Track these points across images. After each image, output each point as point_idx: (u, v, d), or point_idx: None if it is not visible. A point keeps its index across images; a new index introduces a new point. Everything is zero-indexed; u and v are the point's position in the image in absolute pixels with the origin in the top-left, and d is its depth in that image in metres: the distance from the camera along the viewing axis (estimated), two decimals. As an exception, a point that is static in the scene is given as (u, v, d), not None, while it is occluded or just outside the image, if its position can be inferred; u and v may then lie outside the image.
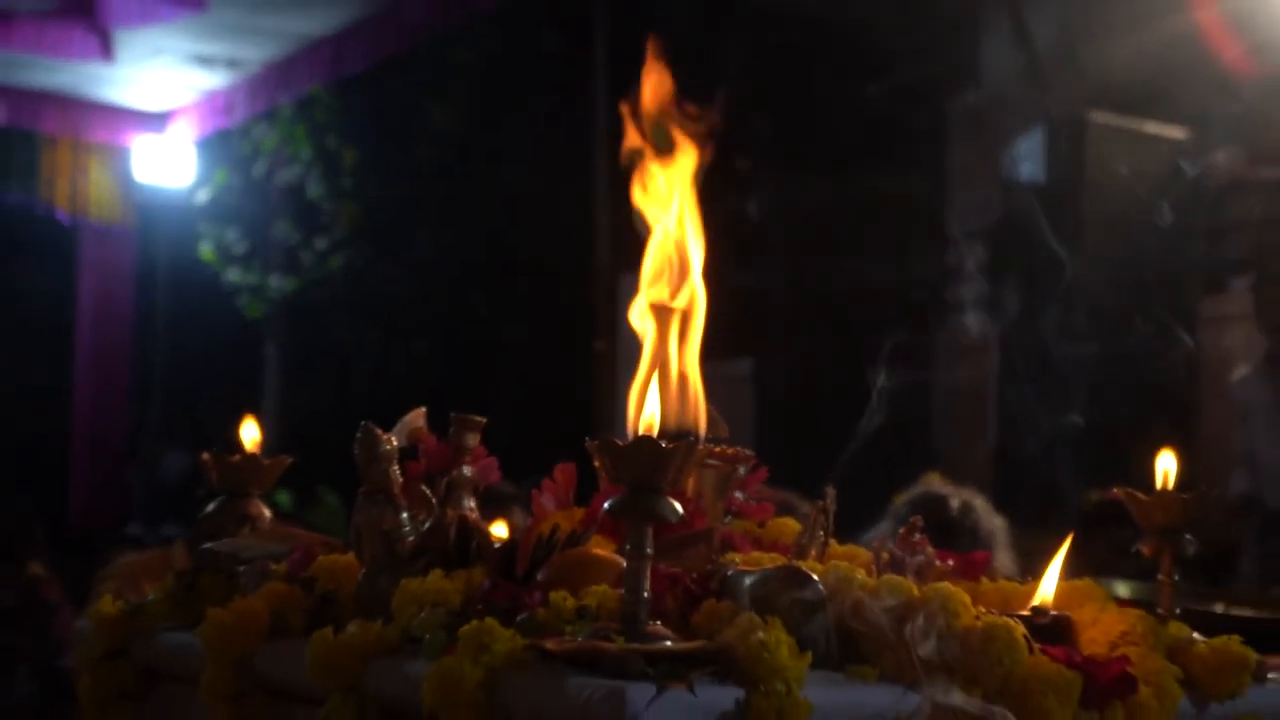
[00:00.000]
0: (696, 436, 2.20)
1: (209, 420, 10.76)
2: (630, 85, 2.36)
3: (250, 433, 2.56)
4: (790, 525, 2.40)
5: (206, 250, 12.77)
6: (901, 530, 2.15)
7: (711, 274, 2.34)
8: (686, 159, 2.33)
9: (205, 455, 2.49)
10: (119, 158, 11.70)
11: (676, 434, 2.15)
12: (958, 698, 1.74)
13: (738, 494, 2.42)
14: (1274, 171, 7.61)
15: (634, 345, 2.26)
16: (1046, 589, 2.05)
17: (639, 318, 2.30)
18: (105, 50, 9.74)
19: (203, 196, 12.47)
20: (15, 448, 13.46)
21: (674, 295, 2.28)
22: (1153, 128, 7.65)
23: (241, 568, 2.29)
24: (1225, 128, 7.74)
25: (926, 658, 1.77)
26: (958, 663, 1.79)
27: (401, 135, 12.40)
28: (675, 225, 2.32)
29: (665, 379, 2.21)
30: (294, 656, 1.99)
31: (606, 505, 1.79)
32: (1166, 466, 2.22)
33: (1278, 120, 7.64)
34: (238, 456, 2.47)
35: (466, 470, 2.31)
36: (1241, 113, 7.70)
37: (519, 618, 1.82)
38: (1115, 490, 2.27)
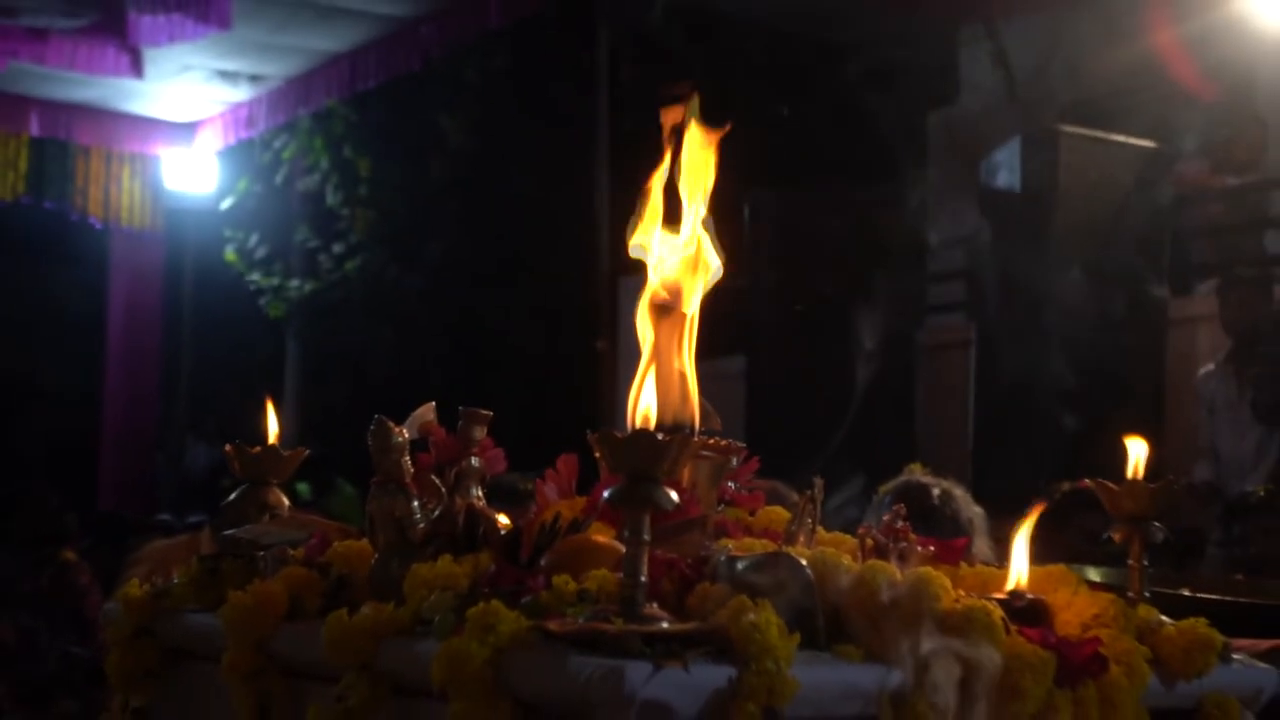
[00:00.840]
0: (691, 429, 2.19)
1: (232, 414, 10.75)
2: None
3: (271, 425, 2.54)
4: (780, 513, 2.39)
5: (230, 254, 12.78)
6: (885, 518, 2.14)
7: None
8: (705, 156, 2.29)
9: (228, 447, 2.48)
10: (149, 167, 11.70)
11: (672, 427, 2.14)
12: (935, 642, 1.72)
13: (730, 484, 2.41)
14: (1237, 180, 7.61)
15: (633, 344, 2.24)
16: (1018, 559, 2.04)
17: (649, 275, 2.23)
18: (136, 66, 9.76)
19: (227, 203, 12.47)
20: (49, 440, 13.46)
21: (685, 298, 2.25)
22: (1122, 138, 7.65)
23: (261, 553, 2.28)
24: (1191, 139, 7.74)
25: (894, 600, 1.75)
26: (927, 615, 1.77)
27: (414, 146, 12.40)
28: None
29: (663, 375, 2.19)
30: (311, 637, 1.98)
31: (606, 494, 1.78)
32: (1136, 458, 2.21)
33: (1240, 131, 7.64)
34: (259, 448, 2.46)
35: (474, 461, 2.30)
36: (1206, 124, 7.70)
37: (523, 600, 1.81)
38: (1087, 480, 2.26)
